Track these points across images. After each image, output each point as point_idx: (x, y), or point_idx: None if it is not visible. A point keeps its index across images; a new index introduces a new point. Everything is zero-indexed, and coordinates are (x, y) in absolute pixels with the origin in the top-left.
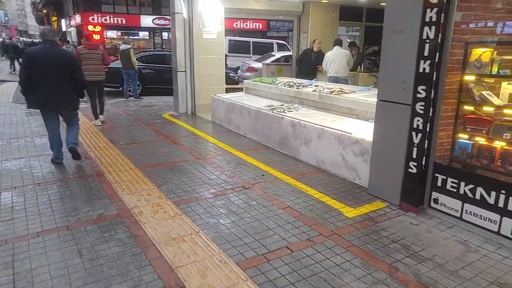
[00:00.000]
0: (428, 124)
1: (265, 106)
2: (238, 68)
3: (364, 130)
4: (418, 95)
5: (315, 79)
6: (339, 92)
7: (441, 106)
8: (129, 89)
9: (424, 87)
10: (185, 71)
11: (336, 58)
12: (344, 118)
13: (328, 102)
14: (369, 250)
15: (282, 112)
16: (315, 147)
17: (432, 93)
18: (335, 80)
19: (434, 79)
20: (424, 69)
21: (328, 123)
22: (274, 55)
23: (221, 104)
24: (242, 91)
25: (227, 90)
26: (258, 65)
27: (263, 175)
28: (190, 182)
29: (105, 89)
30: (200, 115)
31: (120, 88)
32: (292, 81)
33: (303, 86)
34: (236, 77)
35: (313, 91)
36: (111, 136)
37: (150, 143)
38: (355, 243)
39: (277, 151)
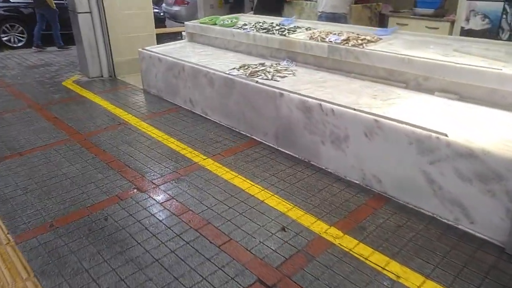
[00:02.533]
0: None
1: (237, 68)
2: (160, 1)
3: (466, 124)
4: None
5: (294, 17)
6: (360, 41)
7: None
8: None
9: None
10: (90, 12)
11: None
12: (387, 89)
13: (348, 60)
14: None
15: (271, 78)
16: (359, 151)
17: None
18: (332, 18)
19: None
20: None
21: (367, 101)
22: None
23: (157, 64)
24: (181, 38)
25: (158, 39)
26: None
27: (285, 228)
28: None
29: None
30: (123, 80)
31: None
32: (264, 22)
33: (287, 30)
34: (161, 13)
35: (310, 38)
36: None
37: (42, 156)
38: None
39: (274, 148)
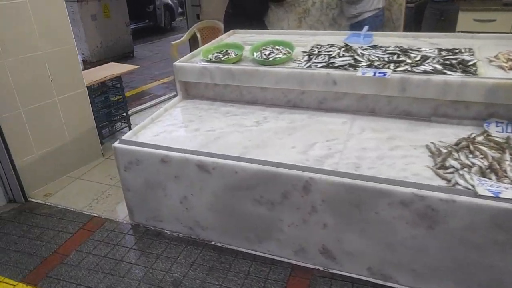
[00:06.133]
0: None
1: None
2: None
3: None
4: None
5: (366, 27)
6: None
7: None
8: None
9: None
10: None
11: None
12: None
13: None
14: None
15: None
16: None
17: None
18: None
19: None
20: None
21: None
22: None
23: (197, 176)
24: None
25: None
26: None
27: None
28: None
29: None
30: (52, 203)
31: None
32: (349, 47)
33: (453, 59)
34: None
35: None
36: None
37: None
38: None
39: None
